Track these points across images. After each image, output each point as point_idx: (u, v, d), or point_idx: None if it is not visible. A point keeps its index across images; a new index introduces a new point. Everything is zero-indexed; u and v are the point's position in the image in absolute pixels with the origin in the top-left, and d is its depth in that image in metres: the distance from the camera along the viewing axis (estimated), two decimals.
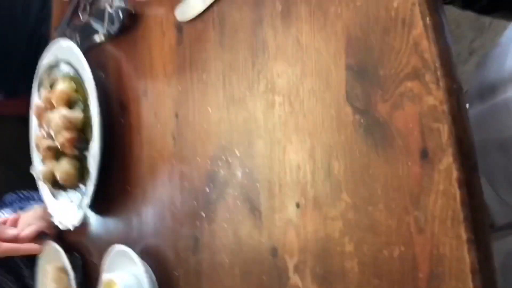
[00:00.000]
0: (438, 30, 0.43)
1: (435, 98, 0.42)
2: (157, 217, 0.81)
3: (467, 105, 0.71)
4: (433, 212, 0.43)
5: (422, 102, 0.43)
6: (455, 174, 0.41)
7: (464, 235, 0.41)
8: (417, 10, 0.43)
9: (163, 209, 0.79)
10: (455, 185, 0.41)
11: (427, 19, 0.43)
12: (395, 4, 0.45)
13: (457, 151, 0.41)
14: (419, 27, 0.43)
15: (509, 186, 0.60)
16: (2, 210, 1.47)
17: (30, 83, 1.42)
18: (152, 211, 0.82)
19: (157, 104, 0.80)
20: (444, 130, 0.42)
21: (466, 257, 0.41)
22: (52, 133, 0.93)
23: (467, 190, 0.41)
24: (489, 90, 0.59)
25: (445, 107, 0.42)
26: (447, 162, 0.42)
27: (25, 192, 1.62)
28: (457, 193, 0.41)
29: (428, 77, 0.43)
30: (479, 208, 0.41)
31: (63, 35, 1.00)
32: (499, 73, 0.58)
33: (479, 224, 0.41)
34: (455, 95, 0.42)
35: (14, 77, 1.51)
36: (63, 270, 1.00)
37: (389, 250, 0.46)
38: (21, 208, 1.40)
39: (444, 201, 0.42)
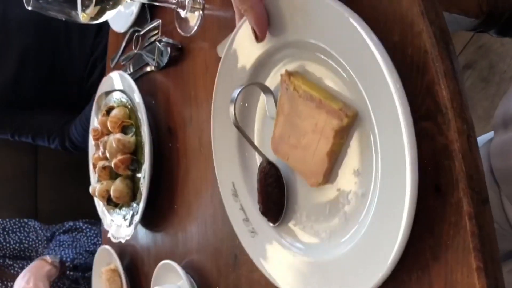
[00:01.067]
0: (450, 75, 0.47)
1: (446, 138, 0.46)
2: (201, 234, 0.88)
3: (492, 133, 0.73)
4: (446, 241, 0.47)
5: (435, 141, 0.48)
6: (465, 207, 0.45)
7: (474, 264, 0.45)
8: (429, 57, 0.48)
9: (206, 227, 0.86)
10: (465, 217, 0.45)
11: (438, 65, 0.47)
12: (409, 51, 0.49)
13: (467, 186, 0.45)
14: (431, 73, 0.48)
15: None
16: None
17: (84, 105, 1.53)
18: (196, 229, 0.89)
19: (200, 131, 0.87)
20: (454, 167, 0.46)
21: (476, 284, 0.45)
22: (108, 155, 1.01)
23: (476, 222, 0.45)
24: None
25: (455, 146, 0.46)
26: (457, 196, 0.46)
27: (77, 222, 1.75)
28: (467, 225, 0.45)
29: (439, 118, 0.47)
30: (488, 239, 0.45)
31: (118, 65, 1.10)
32: None
33: (489, 253, 0.45)
34: (465, 135, 0.46)
35: (69, 102, 1.63)
36: (116, 271, 1.09)
37: (407, 274, 0.51)
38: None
39: (456, 231, 0.46)
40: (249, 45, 0.64)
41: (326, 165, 0.56)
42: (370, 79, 0.50)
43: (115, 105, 1.06)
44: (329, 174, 0.57)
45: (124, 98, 1.03)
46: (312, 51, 0.58)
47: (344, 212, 0.56)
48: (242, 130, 0.62)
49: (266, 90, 0.64)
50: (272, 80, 0.65)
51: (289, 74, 0.59)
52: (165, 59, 0.91)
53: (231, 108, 0.59)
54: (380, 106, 0.50)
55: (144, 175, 0.97)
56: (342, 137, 0.55)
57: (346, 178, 0.56)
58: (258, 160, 0.68)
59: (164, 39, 0.88)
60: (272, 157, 0.64)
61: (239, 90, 0.60)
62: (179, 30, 0.87)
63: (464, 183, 0.45)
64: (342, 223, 0.56)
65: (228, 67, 0.69)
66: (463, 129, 0.46)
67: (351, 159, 0.55)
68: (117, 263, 1.09)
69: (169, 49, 0.90)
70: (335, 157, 0.56)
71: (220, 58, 0.77)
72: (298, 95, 0.58)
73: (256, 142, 0.67)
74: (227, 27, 0.78)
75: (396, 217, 0.48)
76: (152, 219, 1.01)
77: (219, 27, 0.81)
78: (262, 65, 0.65)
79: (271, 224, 0.64)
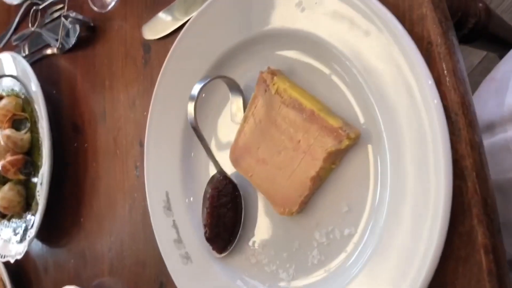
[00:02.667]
0: (458, 74, 0.38)
1: (456, 152, 0.37)
2: (114, 254, 0.72)
3: None
4: (453, 282, 0.38)
5: None
6: (479, 238, 0.36)
7: None
8: (433, 50, 0.38)
9: (122, 246, 0.71)
10: (480, 251, 0.36)
11: (445, 60, 0.38)
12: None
13: (482, 212, 0.36)
14: (436, 70, 0.38)
15: (506, 232, 0.56)
16: None
17: None
18: (108, 247, 0.73)
19: (117, 129, 0.71)
20: (466, 189, 0.37)
21: None
22: None
23: (493, 258, 0.36)
24: (487, 128, 0.55)
25: (467, 163, 0.37)
26: (469, 224, 0.37)
27: None
28: (483, 260, 0.36)
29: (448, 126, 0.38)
30: (505, 279, 0.36)
31: (9, 45, 0.89)
32: (497, 111, 0.55)
33: None
34: (477, 149, 0.37)
35: None
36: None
37: None
38: None
39: (467, 269, 0.37)
40: (217, 27, 0.51)
41: (306, 192, 0.44)
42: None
43: (4, 94, 0.86)
44: (307, 203, 0.46)
45: (16, 86, 0.83)
46: (305, 43, 0.46)
47: (318, 253, 0.45)
48: (200, 133, 0.49)
49: (235, 88, 0.51)
50: (244, 77, 0.52)
51: (272, 72, 0.47)
52: (72, 40, 0.74)
53: (191, 106, 0.46)
54: (399, 126, 0.39)
55: (41, 181, 0.79)
56: (334, 161, 0.44)
57: (330, 211, 0.45)
58: (210, 170, 0.55)
59: (72, 14, 0.71)
60: (229, 170, 0.51)
61: (203, 83, 0.46)
62: (91, 5, 0.71)
63: (478, 208, 0.36)
64: (312, 266, 0.45)
65: (183, 52, 0.54)
66: (475, 142, 0.37)
67: (341, 190, 0.44)
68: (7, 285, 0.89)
69: (77, 27, 0.73)
70: (319, 184, 0.45)
71: (146, 40, 0.62)
72: (281, 100, 0.46)
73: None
74: (157, 2, 0.64)
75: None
76: (51, 233, 0.83)
77: (146, 2, 0.66)
78: (233, 55, 0.52)
79: (216, 254, 0.52)
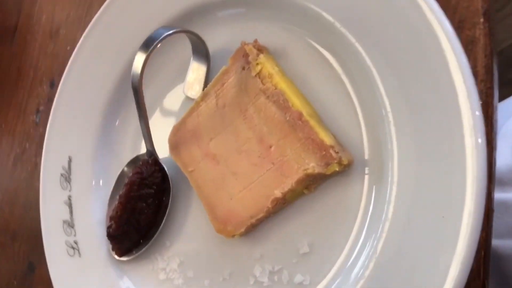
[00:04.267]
0: None
1: None
2: None
3: None
4: None
5: None
6: None
7: None
8: None
9: None
10: None
11: None
12: None
13: None
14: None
15: None
16: None
17: None
18: None
19: (26, 56, 0.55)
20: None
21: None
22: None
23: None
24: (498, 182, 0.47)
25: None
26: None
27: None
28: None
29: None
30: None
31: None
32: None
33: None
34: None
35: None
36: None
37: None
38: None
39: None
40: None
41: (261, 214, 0.33)
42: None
43: None
44: (256, 227, 0.35)
45: None
46: (305, 16, 0.34)
47: None
48: (141, 97, 0.35)
49: (201, 52, 0.38)
50: (215, 42, 0.39)
51: (259, 48, 0.35)
52: None
53: (140, 58, 0.33)
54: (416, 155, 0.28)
55: None
56: (309, 187, 0.33)
57: (283, 246, 0.34)
58: (136, 148, 0.42)
59: None
60: (162, 154, 0.39)
61: (166, 33, 0.33)
62: None
63: None
64: None
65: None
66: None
67: (307, 223, 0.33)
68: None
69: None
70: (280, 208, 0.34)
71: None
72: (261, 88, 0.34)
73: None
74: None
75: None
76: None
77: None
78: (207, 9, 0.39)
79: (115, 256, 0.39)
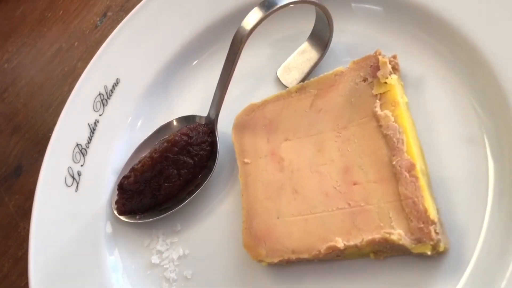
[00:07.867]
0: None
1: None
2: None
3: None
4: None
5: None
6: None
7: None
8: None
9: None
10: None
11: None
12: None
13: None
14: None
15: None
16: None
17: None
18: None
19: None
20: None
21: None
22: None
23: None
24: None
25: None
26: None
27: None
28: None
29: None
30: None
31: None
32: None
33: None
34: None
35: None
36: None
37: None
38: None
39: None
40: None
41: (306, 255, 0.26)
42: None
43: None
44: (289, 265, 0.28)
45: None
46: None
47: None
48: (238, 55, 0.29)
49: (321, 38, 0.31)
50: (339, 36, 0.32)
51: (395, 66, 0.29)
52: None
53: (257, 14, 0.27)
54: None
55: None
56: (380, 254, 0.27)
57: None
58: (194, 107, 0.35)
59: None
60: (221, 128, 0.32)
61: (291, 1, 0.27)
62: None
63: None
64: None
65: None
66: None
67: None
68: None
69: None
70: (330, 258, 0.27)
71: None
72: (378, 114, 0.27)
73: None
74: None
75: None
76: None
77: None
78: None
79: (114, 211, 0.32)
